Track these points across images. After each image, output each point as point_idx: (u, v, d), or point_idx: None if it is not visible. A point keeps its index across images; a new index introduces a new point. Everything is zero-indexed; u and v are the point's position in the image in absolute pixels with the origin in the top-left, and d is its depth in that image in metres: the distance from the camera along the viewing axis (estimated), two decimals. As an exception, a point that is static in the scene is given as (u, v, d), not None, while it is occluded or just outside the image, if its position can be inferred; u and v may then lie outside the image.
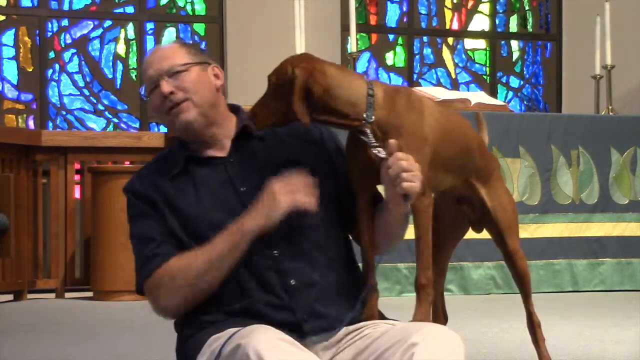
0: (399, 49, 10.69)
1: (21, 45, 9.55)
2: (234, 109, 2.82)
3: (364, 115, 2.65)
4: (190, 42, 3.00)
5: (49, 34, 9.59)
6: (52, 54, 9.60)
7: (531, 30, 11.26)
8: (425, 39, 10.80)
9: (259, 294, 2.59)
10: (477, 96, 7.53)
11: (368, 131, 2.64)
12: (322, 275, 2.63)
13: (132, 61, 9.84)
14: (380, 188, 2.71)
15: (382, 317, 2.70)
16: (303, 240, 2.64)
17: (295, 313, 2.57)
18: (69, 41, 9.68)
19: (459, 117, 3.07)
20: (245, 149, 2.73)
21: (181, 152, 2.76)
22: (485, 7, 11.08)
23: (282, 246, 2.62)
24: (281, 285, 2.59)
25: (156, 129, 9.68)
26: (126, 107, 9.80)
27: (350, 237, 2.81)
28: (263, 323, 2.52)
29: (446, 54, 10.89)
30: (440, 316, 3.36)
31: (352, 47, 7.73)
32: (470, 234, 3.42)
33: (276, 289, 2.59)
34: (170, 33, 9.97)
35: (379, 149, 2.59)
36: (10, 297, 6.95)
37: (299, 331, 2.56)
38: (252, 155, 2.72)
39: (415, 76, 10.56)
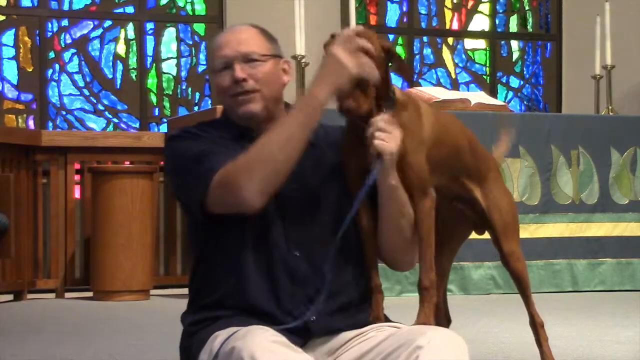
0: (398, 48, 10.69)
1: (21, 45, 9.55)
2: (286, 106, 2.77)
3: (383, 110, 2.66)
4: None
5: (49, 34, 9.59)
6: (52, 54, 9.60)
7: (531, 30, 11.26)
8: (425, 39, 10.81)
9: (267, 292, 2.57)
10: (477, 96, 7.53)
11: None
12: (336, 276, 2.61)
13: (132, 61, 9.84)
14: None
15: (387, 319, 2.70)
16: (323, 241, 2.61)
17: (305, 314, 2.55)
18: (69, 41, 9.67)
19: (449, 118, 3.07)
20: None
21: (231, 127, 2.71)
22: (485, 7, 11.08)
23: (303, 248, 2.61)
24: (294, 286, 2.58)
25: (156, 129, 9.68)
26: (126, 107, 9.80)
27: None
28: (268, 322, 2.51)
29: (446, 54, 10.89)
30: (442, 318, 3.35)
31: (352, 47, 7.71)
32: (471, 234, 3.42)
33: (287, 289, 2.57)
34: (170, 33, 9.97)
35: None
36: (10, 297, 6.96)
37: (304, 332, 2.55)
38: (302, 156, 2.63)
39: (415, 76, 10.56)
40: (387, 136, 2.58)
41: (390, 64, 2.68)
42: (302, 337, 2.54)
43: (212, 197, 2.54)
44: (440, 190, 3.00)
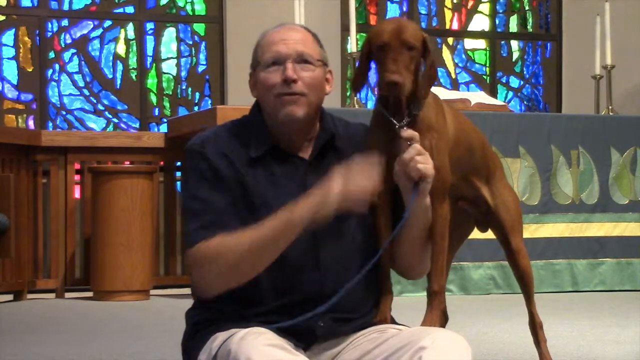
0: (398, 49, 10.68)
1: (21, 45, 9.56)
2: (320, 112, 2.70)
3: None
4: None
5: (49, 34, 9.60)
6: (52, 54, 9.60)
7: (531, 30, 11.27)
8: (425, 39, 10.79)
9: (276, 298, 2.54)
10: (477, 96, 7.53)
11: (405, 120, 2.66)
12: (355, 289, 2.57)
13: (132, 61, 9.84)
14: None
15: (393, 321, 2.69)
16: (342, 246, 2.60)
17: (314, 320, 2.54)
18: (68, 41, 9.68)
19: (463, 118, 3.07)
20: (325, 157, 2.64)
21: (263, 136, 2.62)
22: (485, 7, 11.08)
23: (334, 269, 2.57)
24: (308, 299, 2.54)
25: (156, 129, 9.68)
26: (126, 107, 9.80)
27: None
28: (271, 321, 2.50)
29: (446, 54, 10.89)
30: (442, 316, 3.35)
31: (352, 47, 7.73)
32: (471, 234, 3.42)
33: (299, 300, 2.54)
34: (170, 33, 9.98)
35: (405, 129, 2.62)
36: (10, 297, 6.95)
37: (309, 336, 2.54)
38: (330, 165, 2.59)
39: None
40: (426, 158, 2.57)
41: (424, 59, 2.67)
42: (306, 340, 2.53)
43: (189, 256, 2.58)
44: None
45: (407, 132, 2.59)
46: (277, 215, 2.45)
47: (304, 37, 2.64)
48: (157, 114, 9.90)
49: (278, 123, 2.60)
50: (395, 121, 2.64)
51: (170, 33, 10.00)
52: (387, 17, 10.68)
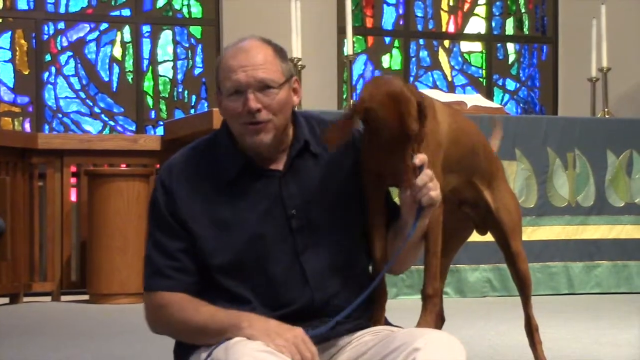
0: (395, 51, 10.70)
1: (17, 48, 9.55)
2: (293, 116, 2.63)
3: None
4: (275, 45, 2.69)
5: (45, 36, 9.59)
6: (48, 57, 9.60)
7: (527, 32, 11.28)
8: (421, 41, 10.82)
9: (267, 313, 2.51)
10: (474, 99, 7.54)
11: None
12: (345, 294, 2.58)
13: (129, 64, 9.84)
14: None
15: (387, 323, 2.69)
16: (326, 255, 2.58)
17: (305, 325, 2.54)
18: (65, 44, 9.68)
19: (464, 118, 3.06)
20: (302, 165, 2.61)
21: (234, 155, 2.58)
22: (481, 10, 11.09)
23: (322, 280, 2.57)
24: (303, 308, 2.54)
25: (152, 132, 9.68)
26: (122, 109, 9.80)
27: None
28: None
29: (442, 56, 10.90)
30: (437, 318, 3.35)
31: (348, 49, 7.73)
32: (471, 235, 3.42)
33: (288, 310, 2.53)
34: (166, 36, 9.98)
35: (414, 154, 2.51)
36: (6, 300, 6.95)
37: None
38: (306, 174, 2.60)
39: (411, 79, 10.57)
40: (436, 184, 2.53)
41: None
42: None
43: (145, 298, 2.64)
44: (449, 194, 2.99)
45: (419, 159, 2.50)
46: (231, 316, 2.44)
47: (264, 58, 2.54)
48: (153, 116, 9.90)
49: (247, 147, 2.57)
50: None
51: (166, 36, 10.00)
52: (382, 20, 10.69)
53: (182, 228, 2.55)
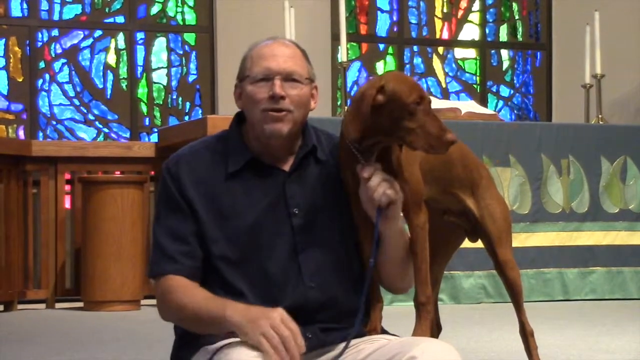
0: (389, 58, 10.71)
1: (11, 55, 9.54)
2: (304, 126, 2.69)
3: None
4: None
5: (39, 44, 9.58)
6: (42, 64, 9.59)
7: (521, 39, 11.29)
8: (415, 48, 10.83)
9: (261, 302, 2.53)
10: (468, 105, 7.55)
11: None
12: (340, 298, 2.60)
13: (123, 71, 9.83)
14: None
15: (384, 331, 2.69)
16: (323, 257, 2.60)
17: (302, 331, 2.54)
18: (59, 51, 9.67)
19: None
20: (307, 168, 2.65)
21: (242, 150, 2.63)
22: (475, 17, 11.10)
23: (317, 280, 2.58)
24: (295, 305, 2.53)
25: (146, 139, 9.67)
26: (116, 117, 9.79)
27: None
28: None
29: (436, 63, 10.91)
30: (433, 326, 3.34)
31: (342, 56, 7.74)
32: (463, 242, 3.42)
33: (288, 308, 2.50)
34: (160, 43, 9.98)
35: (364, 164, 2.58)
36: (0, 307, 6.94)
37: None
38: (311, 176, 2.64)
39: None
40: (391, 183, 2.56)
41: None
42: None
43: (153, 284, 2.65)
44: (430, 203, 2.99)
45: (366, 172, 2.55)
46: (218, 306, 2.45)
47: (294, 53, 2.64)
48: (147, 123, 9.89)
49: (262, 136, 2.61)
50: (360, 157, 2.59)
51: (160, 43, 10.00)
52: (376, 27, 10.70)
53: (190, 210, 2.59)
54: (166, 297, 2.58)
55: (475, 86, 11.03)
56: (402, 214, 2.70)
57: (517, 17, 11.27)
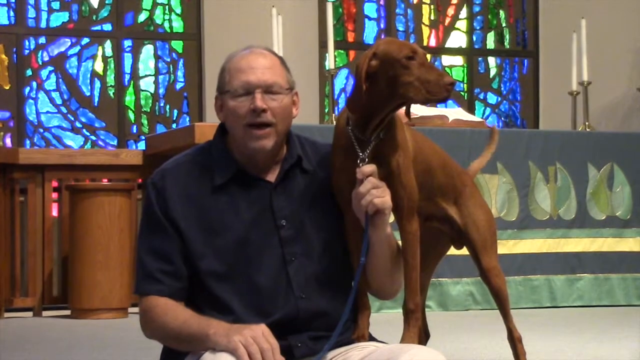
0: (376, 65, 10.71)
1: (-2, 63, 9.53)
2: (288, 135, 2.69)
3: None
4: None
5: (27, 51, 9.57)
6: (29, 72, 9.58)
7: (508, 46, 11.32)
8: (402, 55, 10.82)
9: (251, 316, 2.53)
10: (455, 112, 7.55)
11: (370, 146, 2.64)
12: (330, 308, 2.60)
13: (110, 78, 9.83)
14: None
15: (372, 338, 2.69)
16: (313, 267, 2.60)
17: (291, 340, 2.55)
18: (46, 59, 9.66)
19: (422, 137, 3.05)
20: (293, 179, 2.65)
21: (227, 162, 2.62)
22: (462, 24, 11.13)
23: (307, 291, 2.58)
24: (287, 317, 2.55)
25: (134, 147, 9.66)
26: (104, 124, 9.78)
27: None
28: None
29: (424, 70, 10.90)
30: (421, 333, 3.34)
31: (330, 63, 7.74)
32: (449, 250, 3.42)
33: (271, 320, 2.52)
34: (148, 50, 9.97)
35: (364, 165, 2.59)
36: (-13, 315, 6.92)
37: (288, 357, 2.52)
38: (297, 187, 2.63)
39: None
40: (383, 191, 2.56)
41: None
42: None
43: (138, 301, 2.64)
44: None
45: (366, 169, 2.57)
46: (201, 324, 2.44)
47: (272, 63, 2.62)
48: (135, 131, 9.88)
49: (246, 151, 2.60)
50: (360, 151, 2.62)
51: (148, 50, 10.00)
52: (364, 34, 10.71)
53: (174, 229, 2.57)
54: (148, 316, 2.57)
55: (462, 93, 11.05)
56: (394, 220, 2.70)
57: (504, 24, 11.29)
